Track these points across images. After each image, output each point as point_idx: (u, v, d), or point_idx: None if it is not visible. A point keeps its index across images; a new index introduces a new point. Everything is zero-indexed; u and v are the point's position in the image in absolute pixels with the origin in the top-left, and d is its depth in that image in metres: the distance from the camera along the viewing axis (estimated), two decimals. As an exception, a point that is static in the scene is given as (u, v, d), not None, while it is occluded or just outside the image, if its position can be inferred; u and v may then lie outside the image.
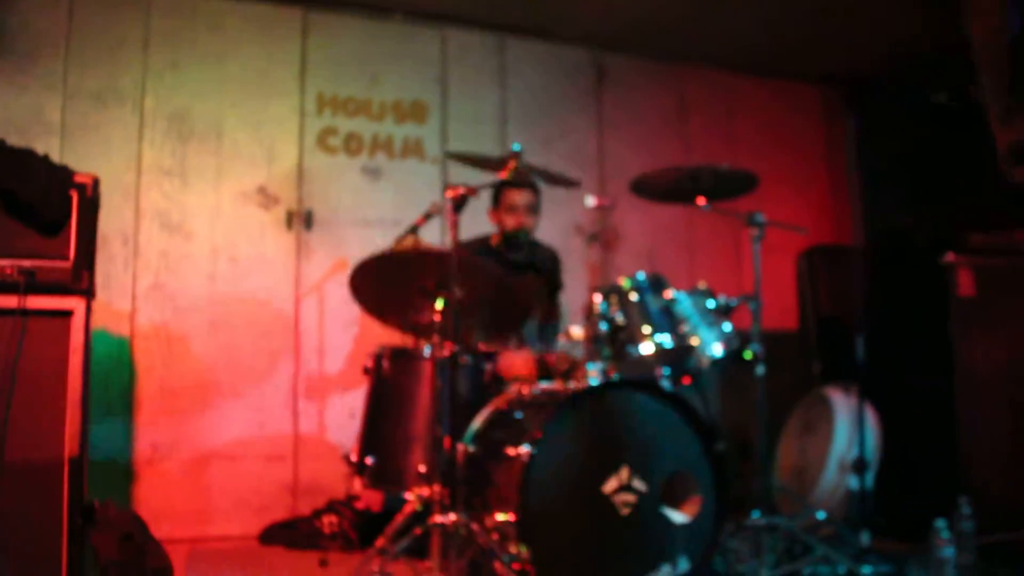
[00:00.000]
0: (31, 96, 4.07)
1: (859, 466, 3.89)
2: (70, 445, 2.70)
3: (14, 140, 2.90)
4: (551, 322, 4.28)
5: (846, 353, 3.97)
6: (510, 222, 4.09)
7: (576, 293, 4.42)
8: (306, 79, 4.57)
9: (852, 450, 4.07)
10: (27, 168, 2.72)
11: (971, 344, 4.06)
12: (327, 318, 4.46)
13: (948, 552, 3.23)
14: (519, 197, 4.08)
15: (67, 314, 2.74)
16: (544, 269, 4.27)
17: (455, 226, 2.90)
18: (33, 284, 2.69)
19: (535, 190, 4.09)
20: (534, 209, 4.12)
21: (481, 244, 4.19)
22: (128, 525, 3.03)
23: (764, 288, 3.47)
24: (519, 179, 3.55)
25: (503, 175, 3.10)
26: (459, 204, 2.90)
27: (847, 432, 4.19)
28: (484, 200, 4.06)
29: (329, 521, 3.92)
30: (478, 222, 4.18)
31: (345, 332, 4.49)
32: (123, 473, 4.05)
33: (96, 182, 2.88)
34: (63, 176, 2.80)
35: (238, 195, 4.40)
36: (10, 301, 2.65)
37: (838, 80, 5.76)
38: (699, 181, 3.48)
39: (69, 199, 2.79)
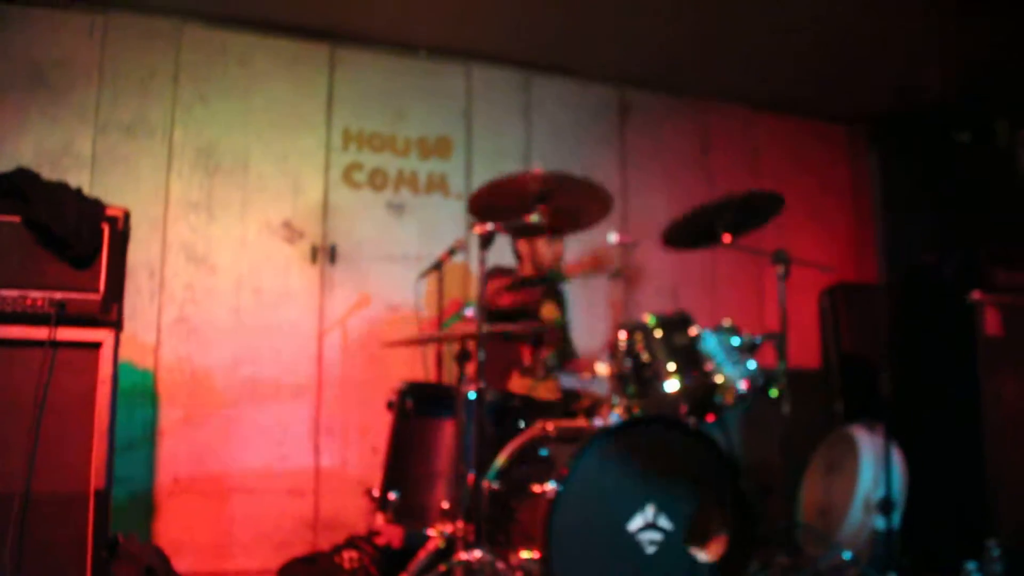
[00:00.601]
0: (63, 128, 4.13)
1: (886, 506, 3.84)
2: (96, 478, 2.70)
3: (46, 172, 2.95)
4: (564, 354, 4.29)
5: (870, 391, 3.94)
6: (546, 252, 4.09)
7: (599, 329, 4.41)
8: (332, 114, 4.61)
9: (878, 489, 4.02)
10: (60, 203, 2.75)
11: (998, 383, 4.03)
12: (350, 353, 4.47)
13: (979, 595, 3.18)
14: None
15: (96, 346, 2.76)
16: (557, 301, 4.25)
17: (483, 263, 2.91)
18: (63, 316, 2.71)
19: None
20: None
21: (504, 276, 4.19)
22: (150, 559, 3.03)
23: (787, 325, 3.46)
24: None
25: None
26: (487, 241, 2.91)
27: (872, 471, 4.14)
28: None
29: (349, 557, 3.89)
30: (499, 250, 4.19)
31: (368, 367, 4.49)
32: (144, 506, 4.05)
33: (127, 215, 2.91)
34: (95, 210, 2.84)
35: (263, 228, 4.43)
36: (41, 332, 2.68)
37: (862, 117, 5.76)
38: (724, 214, 3.46)
39: (100, 232, 2.82)
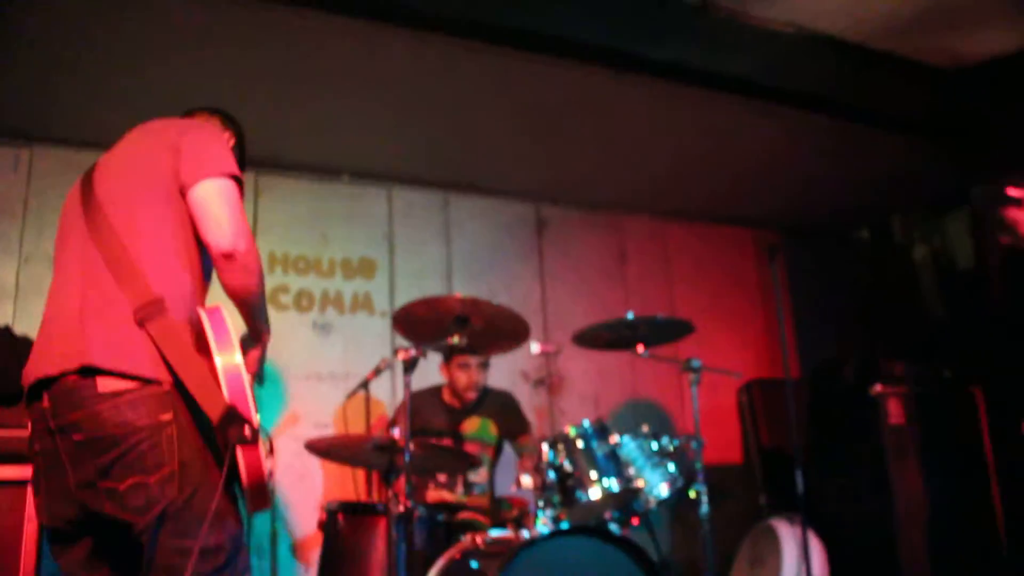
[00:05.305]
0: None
1: (808, 598, 3.96)
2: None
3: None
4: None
5: (791, 484, 4.10)
6: (462, 380, 4.17)
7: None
8: (258, 239, 4.65)
9: (801, 581, 4.15)
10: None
11: (905, 469, 4.24)
12: (280, 472, 4.47)
13: None
14: (471, 357, 4.14)
15: (25, 483, 2.77)
16: (494, 415, 4.32)
17: (407, 387, 3.02)
18: (-7, 456, 2.73)
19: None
20: (485, 365, 4.21)
21: (432, 395, 4.27)
22: None
23: (708, 422, 3.61)
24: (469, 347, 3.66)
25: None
26: (410, 365, 3.03)
27: (794, 563, 4.27)
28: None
29: None
30: (426, 372, 4.29)
31: (299, 485, 4.48)
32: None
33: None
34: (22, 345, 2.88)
35: (189, 353, 4.44)
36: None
37: (769, 223, 6.08)
38: (638, 330, 3.67)
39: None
